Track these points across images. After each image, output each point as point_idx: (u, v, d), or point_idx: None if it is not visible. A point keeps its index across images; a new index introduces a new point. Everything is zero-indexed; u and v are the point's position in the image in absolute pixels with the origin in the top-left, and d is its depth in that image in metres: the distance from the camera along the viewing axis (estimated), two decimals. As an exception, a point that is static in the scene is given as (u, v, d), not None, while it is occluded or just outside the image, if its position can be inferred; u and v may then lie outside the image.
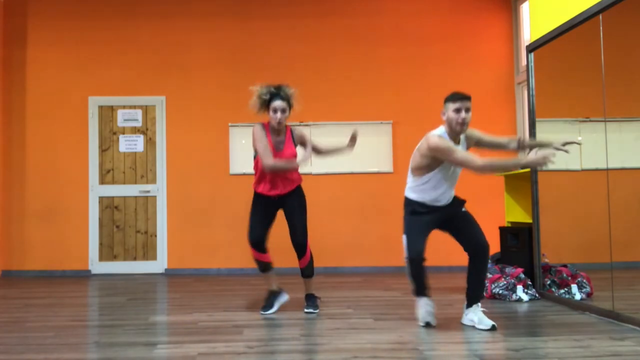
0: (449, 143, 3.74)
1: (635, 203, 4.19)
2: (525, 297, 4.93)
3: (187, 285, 6.20)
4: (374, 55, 7.40)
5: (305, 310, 4.49)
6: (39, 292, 5.85)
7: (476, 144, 4.05)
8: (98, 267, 7.19)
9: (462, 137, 3.94)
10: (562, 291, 4.85)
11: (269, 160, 4.23)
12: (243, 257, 6.93)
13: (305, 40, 7.40)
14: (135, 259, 7.23)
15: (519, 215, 5.76)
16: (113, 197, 7.25)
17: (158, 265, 7.23)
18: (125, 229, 7.25)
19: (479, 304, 3.98)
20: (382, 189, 7.27)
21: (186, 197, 7.25)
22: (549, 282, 5.02)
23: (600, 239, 4.24)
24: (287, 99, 4.36)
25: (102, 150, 7.28)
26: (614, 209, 4.13)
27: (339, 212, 7.28)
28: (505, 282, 5.02)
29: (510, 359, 3.16)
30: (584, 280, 4.83)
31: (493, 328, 3.79)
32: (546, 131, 5.11)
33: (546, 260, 5.10)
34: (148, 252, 7.25)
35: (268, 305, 4.52)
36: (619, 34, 4.24)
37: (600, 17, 4.21)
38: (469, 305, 3.99)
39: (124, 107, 7.32)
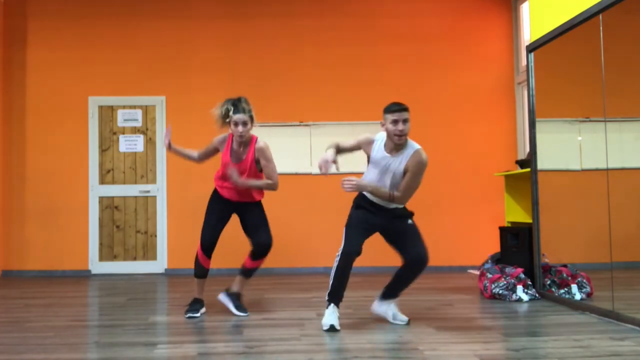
0: (360, 138, 3.94)
1: (635, 203, 4.19)
2: (525, 297, 4.93)
3: (187, 285, 6.19)
4: (373, 55, 7.40)
5: (237, 312, 4.42)
6: (39, 292, 5.85)
7: (405, 171, 3.88)
8: (98, 267, 7.19)
9: (406, 154, 3.84)
10: (562, 291, 4.85)
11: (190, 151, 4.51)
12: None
13: (305, 40, 7.40)
14: (135, 259, 7.23)
15: (519, 215, 5.76)
16: (113, 197, 7.25)
17: (158, 265, 7.23)
18: (125, 229, 7.25)
19: (395, 300, 4.08)
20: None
21: (186, 197, 7.25)
22: (549, 282, 5.02)
23: (600, 239, 4.24)
24: (248, 112, 4.25)
25: (102, 150, 7.28)
26: (614, 209, 4.13)
27: (339, 212, 7.25)
28: (505, 282, 5.02)
29: (510, 359, 3.16)
30: (584, 280, 4.83)
31: (408, 323, 3.96)
32: (546, 131, 5.11)
33: (546, 260, 5.10)
34: (148, 252, 7.25)
35: (195, 309, 4.42)
36: (619, 34, 4.25)
37: (600, 17, 4.21)
38: (386, 298, 4.08)
39: (124, 107, 7.32)
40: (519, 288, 4.96)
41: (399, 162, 3.84)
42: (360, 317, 4.29)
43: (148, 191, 7.27)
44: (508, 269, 5.16)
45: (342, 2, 7.45)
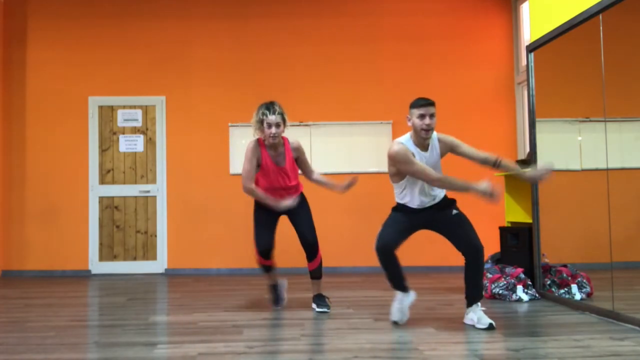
0: (407, 153, 3.77)
1: (635, 203, 4.19)
2: (525, 297, 4.93)
3: (187, 285, 6.20)
4: (374, 55, 7.40)
5: (318, 309, 4.49)
6: (39, 292, 5.85)
7: (451, 150, 4.00)
8: (98, 267, 7.19)
9: (435, 142, 3.93)
10: (562, 291, 4.85)
11: (248, 184, 4.37)
12: (243, 257, 6.94)
13: (305, 40, 7.40)
14: (135, 259, 7.23)
15: (519, 215, 5.76)
16: (113, 197, 7.25)
17: (158, 265, 7.23)
18: (125, 229, 7.25)
19: (479, 303, 3.97)
20: (382, 189, 7.25)
21: (186, 197, 7.25)
22: (549, 282, 5.02)
23: (600, 239, 4.24)
24: (280, 114, 4.35)
25: (102, 150, 7.28)
26: (614, 209, 4.13)
27: (339, 212, 7.27)
28: (505, 282, 5.02)
29: (510, 359, 3.16)
30: (584, 280, 4.83)
31: (490, 327, 3.79)
32: (546, 131, 5.11)
33: (546, 260, 5.10)
34: (148, 252, 7.25)
35: (278, 298, 4.68)
36: (619, 34, 4.25)
37: (600, 17, 4.21)
38: (469, 305, 3.99)
39: (124, 107, 7.32)
40: (519, 288, 4.96)
41: (433, 154, 3.91)
42: (361, 317, 4.29)
43: (148, 191, 7.27)
44: (508, 269, 5.16)
45: (342, 1, 7.45)
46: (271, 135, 4.32)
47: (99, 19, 7.33)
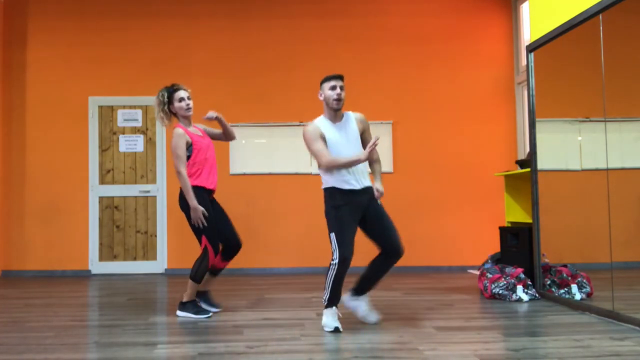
0: (313, 133, 3.90)
1: (635, 203, 4.19)
2: (525, 297, 4.93)
3: (187, 285, 6.19)
4: (373, 55, 7.40)
5: (214, 309, 4.52)
6: (39, 292, 5.86)
7: (362, 133, 4.06)
8: (98, 267, 7.19)
9: (350, 116, 4.03)
10: (562, 291, 4.85)
11: (181, 168, 4.41)
12: (243, 257, 6.91)
13: (305, 40, 7.40)
14: (135, 259, 7.23)
15: (519, 215, 5.76)
16: (113, 197, 7.25)
17: (158, 265, 7.23)
18: (125, 229, 7.25)
19: (368, 294, 4.09)
20: (382, 189, 7.27)
21: (186, 197, 7.24)
22: (549, 282, 5.02)
23: (600, 239, 4.24)
24: (184, 88, 4.53)
25: (102, 150, 7.28)
26: (614, 209, 4.14)
27: (339, 212, 7.26)
28: (505, 282, 5.03)
29: (510, 359, 3.16)
30: (584, 280, 4.83)
31: (377, 322, 4.00)
32: (546, 131, 5.11)
33: (546, 260, 5.10)
34: (148, 252, 7.25)
35: (213, 304, 4.58)
36: (619, 34, 4.25)
37: (600, 17, 4.21)
38: (360, 293, 4.07)
39: (124, 107, 7.32)
40: (519, 288, 4.97)
41: (350, 126, 3.99)
42: (360, 317, 4.28)
43: (148, 191, 7.27)
44: (508, 269, 5.16)
45: (343, 2, 7.45)
46: (187, 106, 4.44)
47: (99, 19, 7.33)
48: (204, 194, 4.41)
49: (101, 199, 7.24)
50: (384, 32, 7.43)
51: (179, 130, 4.37)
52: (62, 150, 7.22)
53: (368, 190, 3.97)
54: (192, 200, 4.27)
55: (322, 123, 3.98)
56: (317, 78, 7.27)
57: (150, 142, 7.30)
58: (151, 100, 7.38)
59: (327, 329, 3.83)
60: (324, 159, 3.84)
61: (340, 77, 3.97)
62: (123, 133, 7.29)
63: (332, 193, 3.92)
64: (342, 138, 3.94)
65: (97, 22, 7.33)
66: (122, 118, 7.30)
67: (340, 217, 3.85)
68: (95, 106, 7.30)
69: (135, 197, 7.26)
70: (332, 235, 3.82)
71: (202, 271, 4.39)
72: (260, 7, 7.40)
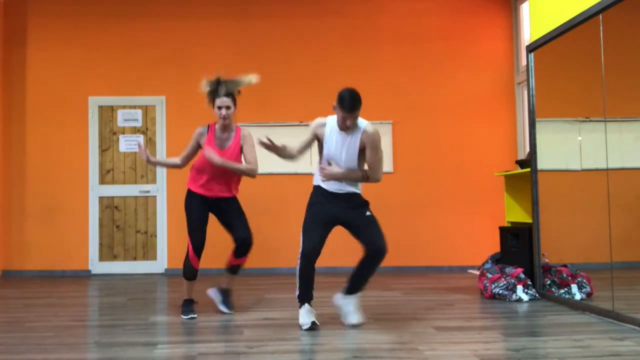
0: (315, 124, 4.02)
1: (635, 203, 4.19)
2: (525, 297, 4.93)
3: (187, 285, 6.19)
4: (373, 55, 7.40)
5: (224, 310, 4.50)
6: (39, 292, 5.85)
7: (363, 148, 3.98)
8: (98, 267, 7.19)
9: (360, 129, 3.97)
10: (562, 291, 4.85)
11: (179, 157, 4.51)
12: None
13: (305, 40, 7.40)
14: (135, 259, 7.23)
15: (519, 215, 5.76)
16: (113, 197, 7.25)
17: (158, 265, 7.23)
18: (125, 229, 7.25)
19: (357, 295, 4.08)
20: (382, 189, 7.25)
21: (186, 197, 7.24)
22: (549, 282, 5.02)
23: (600, 239, 4.24)
24: (231, 95, 4.38)
25: (102, 150, 7.28)
26: (614, 209, 4.13)
27: (339, 212, 7.26)
28: (505, 282, 5.02)
29: (510, 359, 3.16)
30: (584, 280, 4.83)
31: (357, 325, 3.94)
32: (546, 131, 5.11)
33: (546, 260, 5.10)
34: (148, 252, 7.25)
35: (189, 310, 4.40)
36: (619, 34, 4.25)
37: (600, 17, 4.21)
38: (350, 293, 4.07)
39: (124, 107, 7.31)
40: (519, 288, 4.97)
41: (352, 139, 3.95)
42: (360, 317, 4.28)
43: (148, 191, 7.27)
44: (508, 269, 5.16)
45: (342, 2, 7.45)
46: (222, 116, 4.35)
47: (99, 19, 7.32)
48: (196, 196, 4.40)
49: (101, 199, 7.24)
50: (384, 31, 7.43)
51: (200, 129, 4.45)
52: (62, 150, 7.22)
53: (353, 197, 3.99)
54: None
55: (332, 123, 3.97)
56: (317, 78, 7.34)
57: (150, 142, 7.30)
58: (151, 100, 7.44)
59: (304, 327, 3.86)
60: (296, 149, 4.03)
61: (353, 111, 3.83)
62: (123, 133, 7.29)
63: (315, 190, 4.06)
64: (340, 145, 3.93)
65: (97, 22, 7.32)
66: (122, 118, 7.30)
67: (312, 214, 3.98)
68: (95, 106, 7.30)
69: (135, 197, 7.26)
70: (301, 230, 3.95)
71: (185, 266, 4.40)
72: (260, 8, 7.40)
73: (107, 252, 7.22)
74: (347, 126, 3.87)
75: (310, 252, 3.85)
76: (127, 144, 7.28)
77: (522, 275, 5.05)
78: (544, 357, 3.16)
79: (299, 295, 3.98)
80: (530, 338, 3.62)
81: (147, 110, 7.33)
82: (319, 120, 4.03)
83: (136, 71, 7.30)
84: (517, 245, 5.45)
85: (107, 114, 7.31)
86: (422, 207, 7.26)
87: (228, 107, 4.35)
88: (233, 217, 4.45)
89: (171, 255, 7.21)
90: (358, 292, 4.09)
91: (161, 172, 7.27)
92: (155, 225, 7.24)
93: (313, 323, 3.85)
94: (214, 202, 4.43)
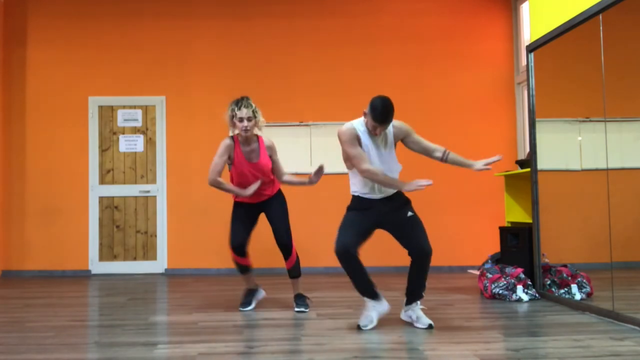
0: (351, 135, 3.86)
1: (635, 203, 4.19)
2: (525, 297, 4.93)
3: (187, 285, 6.20)
4: (373, 55, 7.40)
5: (296, 309, 4.53)
6: (39, 292, 5.85)
7: (404, 139, 4.03)
8: (98, 267, 7.19)
9: (389, 127, 3.96)
10: (562, 291, 4.85)
11: (214, 176, 4.45)
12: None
13: (305, 40, 7.39)
14: (135, 259, 7.23)
15: (519, 215, 5.76)
16: (113, 197, 7.25)
17: (158, 265, 7.23)
18: (125, 229, 7.25)
19: (419, 302, 4.01)
20: (382, 189, 7.28)
21: (186, 197, 7.25)
22: (549, 282, 5.02)
23: (600, 239, 4.24)
24: (250, 106, 4.40)
25: (102, 150, 7.28)
26: (614, 209, 4.13)
27: (339, 212, 7.25)
28: (505, 282, 5.02)
29: (510, 359, 3.16)
30: (584, 280, 4.83)
31: (430, 327, 3.85)
32: (546, 131, 5.11)
33: (546, 260, 5.10)
34: (148, 252, 7.25)
35: (247, 302, 4.66)
36: (619, 34, 4.25)
37: (600, 17, 4.21)
38: (409, 302, 4.03)
39: (124, 107, 7.31)
40: (519, 288, 4.96)
41: (386, 137, 3.97)
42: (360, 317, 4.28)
43: (148, 191, 7.27)
44: (508, 269, 5.16)
45: (343, 2, 7.45)
46: (243, 128, 4.35)
47: (99, 19, 7.33)
48: (242, 205, 4.57)
49: (101, 199, 7.24)
50: (383, 31, 7.43)
51: (227, 141, 4.48)
52: (62, 150, 7.22)
53: (393, 198, 3.95)
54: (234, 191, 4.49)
55: (360, 127, 3.93)
56: (317, 78, 7.34)
57: (150, 142, 7.30)
58: (151, 100, 7.44)
59: (360, 327, 3.87)
60: (364, 166, 3.79)
61: (385, 123, 3.83)
62: (123, 133, 7.29)
63: (353, 199, 4.02)
64: (375, 146, 3.92)
65: (97, 22, 7.32)
66: (122, 118, 7.30)
67: (348, 217, 3.98)
68: (95, 106, 7.30)
69: (135, 197, 7.26)
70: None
71: (234, 262, 4.60)
72: (260, 7, 7.40)
73: (107, 252, 7.22)
74: (377, 134, 3.88)
75: (339, 251, 3.82)
76: (127, 144, 7.29)
77: (522, 275, 5.05)
78: (544, 357, 3.16)
79: (359, 292, 3.98)
80: (530, 338, 3.62)
81: (147, 110, 7.33)
82: (351, 131, 3.89)
83: (136, 71, 7.30)
84: (517, 245, 5.45)
85: (107, 114, 7.31)
86: (422, 207, 7.19)
87: (249, 119, 4.37)
88: (274, 220, 4.55)
89: (171, 255, 7.21)
90: (418, 299, 4.01)
91: (161, 172, 7.27)
92: (155, 225, 7.24)
93: (364, 325, 3.84)
94: (260, 205, 4.56)
